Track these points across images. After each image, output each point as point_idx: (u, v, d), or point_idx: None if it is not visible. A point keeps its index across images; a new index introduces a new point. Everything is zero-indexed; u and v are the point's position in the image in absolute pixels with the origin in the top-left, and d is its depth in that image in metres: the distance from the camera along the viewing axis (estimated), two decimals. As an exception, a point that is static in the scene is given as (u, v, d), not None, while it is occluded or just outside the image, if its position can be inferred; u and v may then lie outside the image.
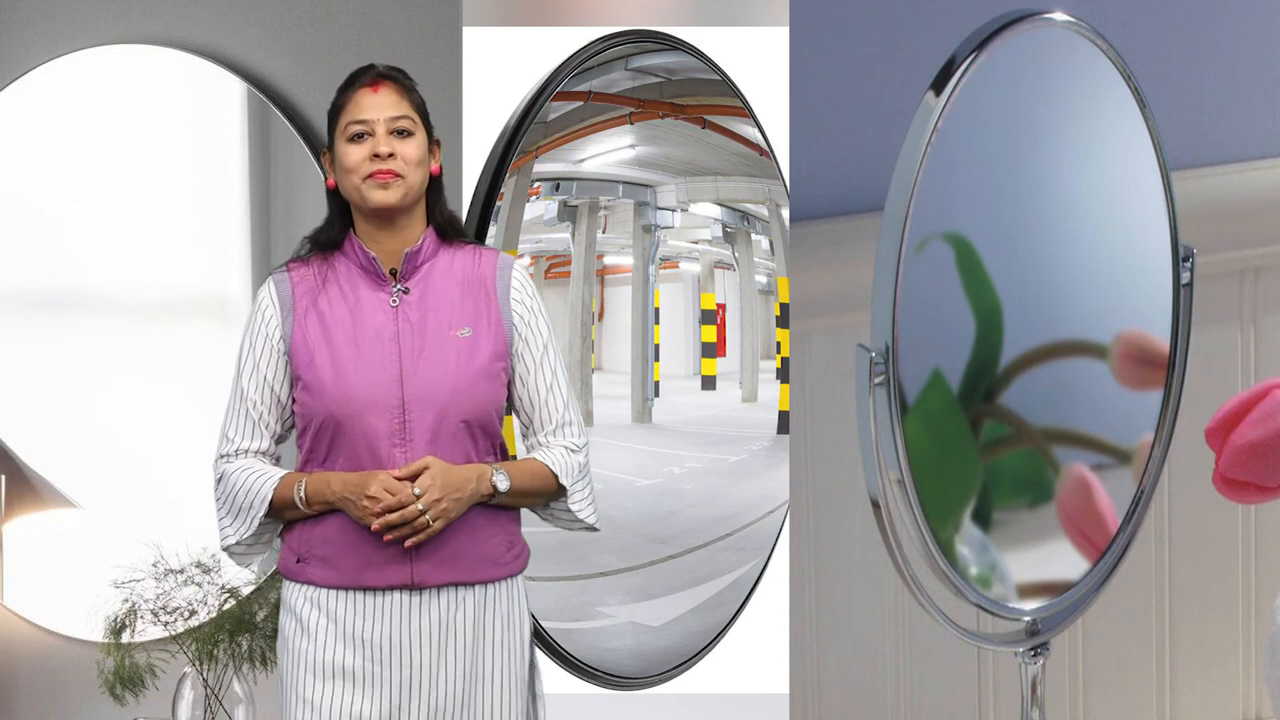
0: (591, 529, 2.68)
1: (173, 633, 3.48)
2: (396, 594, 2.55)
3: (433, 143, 2.63)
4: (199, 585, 3.50)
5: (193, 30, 3.75)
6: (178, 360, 3.74)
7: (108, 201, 3.74)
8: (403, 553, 2.53)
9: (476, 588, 2.58)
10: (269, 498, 2.57)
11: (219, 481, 2.63)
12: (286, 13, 3.77)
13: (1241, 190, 2.90)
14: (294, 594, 2.60)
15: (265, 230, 3.75)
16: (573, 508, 2.64)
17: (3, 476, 3.65)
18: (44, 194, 3.74)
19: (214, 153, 3.78)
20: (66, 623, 3.69)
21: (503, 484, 2.56)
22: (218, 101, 3.76)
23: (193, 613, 3.49)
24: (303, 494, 2.56)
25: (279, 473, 2.60)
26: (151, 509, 3.68)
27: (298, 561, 2.59)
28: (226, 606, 3.49)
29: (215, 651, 3.46)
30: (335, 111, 2.61)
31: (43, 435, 3.72)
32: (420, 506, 2.50)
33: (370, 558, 2.54)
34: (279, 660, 2.63)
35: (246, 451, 2.63)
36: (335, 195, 2.63)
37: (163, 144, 3.76)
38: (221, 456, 2.64)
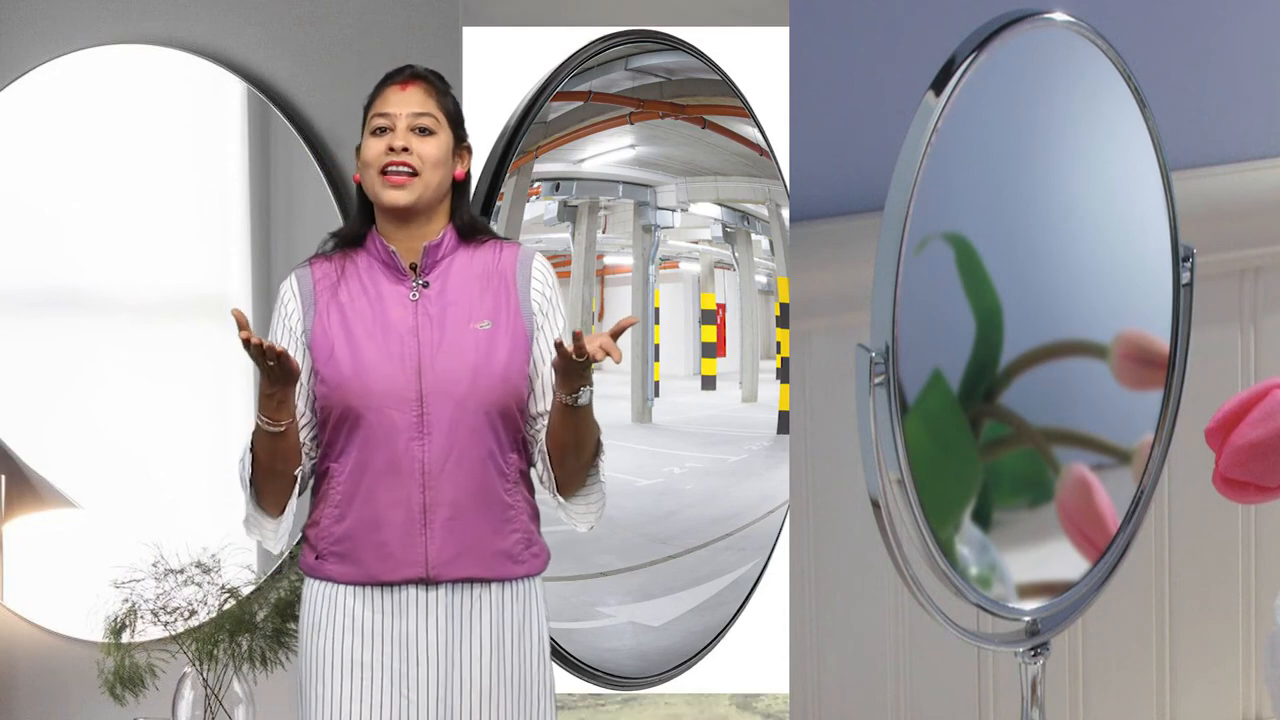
0: (601, 506, 2.67)
1: (173, 633, 3.48)
2: (411, 589, 2.55)
3: (462, 148, 2.63)
4: (199, 585, 3.50)
5: (193, 30, 3.75)
6: (178, 360, 3.74)
7: (108, 201, 3.74)
8: (418, 547, 2.54)
9: (494, 585, 2.58)
10: (250, 445, 2.55)
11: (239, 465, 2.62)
12: (286, 13, 3.77)
13: (1241, 190, 2.90)
14: (312, 591, 2.60)
15: (265, 230, 3.75)
16: (599, 471, 2.62)
17: (3, 476, 3.65)
18: (44, 194, 3.74)
19: (214, 153, 3.78)
20: (66, 623, 3.69)
21: (585, 396, 2.54)
22: (218, 101, 3.76)
23: (193, 613, 3.49)
24: (258, 416, 2.51)
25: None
26: (151, 509, 3.68)
27: (316, 558, 2.59)
28: (226, 606, 3.49)
29: (215, 651, 3.46)
30: (366, 108, 2.63)
31: (43, 435, 3.72)
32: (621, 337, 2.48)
33: (385, 553, 2.54)
34: (299, 658, 2.63)
35: None
36: (361, 191, 2.64)
37: (163, 144, 3.76)
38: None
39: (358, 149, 2.63)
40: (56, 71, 3.73)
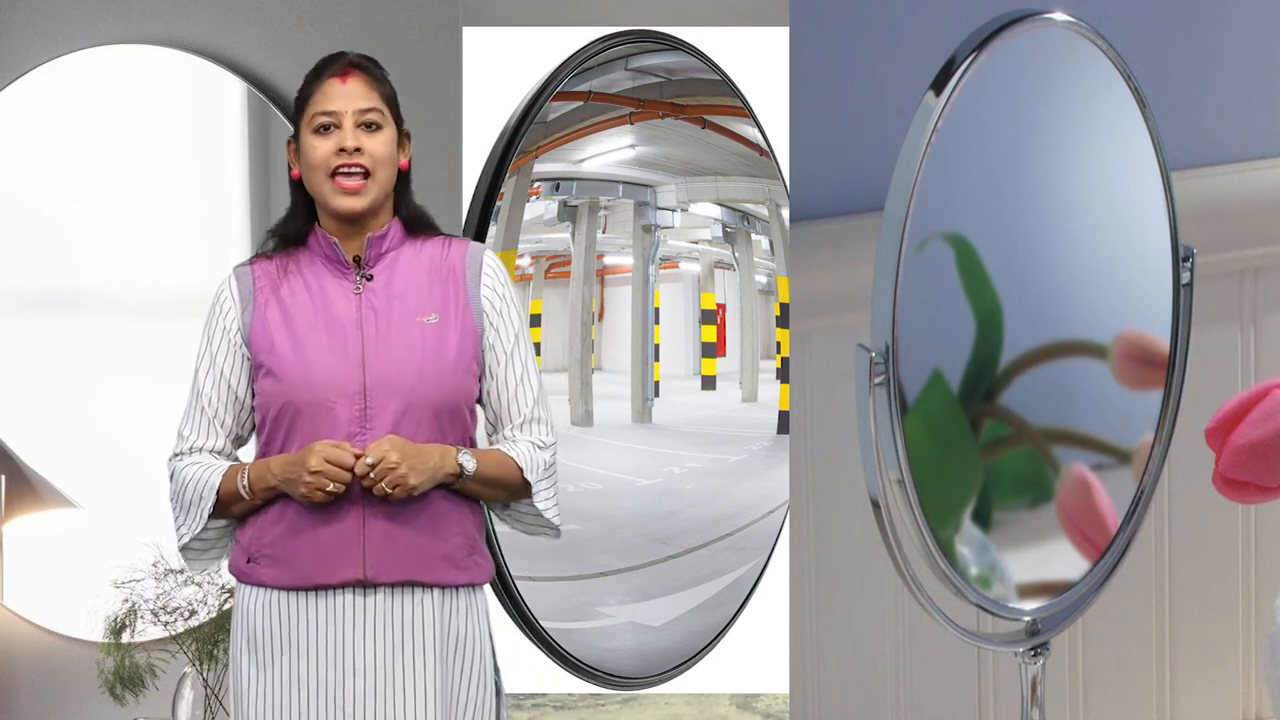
0: (553, 529, 2.59)
1: (173, 633, 3.48)
2: (348, 594, 2.46)
3: (402, 135, 2.54)
4: (199, 585, 3.50)
5: (193, 30, 3.75)
6: (178, 360, 3.73)
7: (108, 201, 3.75)
8: (355, 546, 2.44)
9: (435, 591, 2.48)
10: (216, 486, 2.49)
11: (170, 479, 2.56)
12: (286, 13, 3.77)
13: (1241, 190, 2.90)
14: (246, 598, 2.51)
15: (265, 231, 3.75)
16: (538, 505, 2.54)
17: (3, 476, 3.65)
18: (44, 194, 3.74)
19: (214, 153, 3.78)
20: (66, 623, 3.70)
21: (469, 464, 2.46)
22: (218, 101, 3.76)
23: (193, 613, 3.49)
24: (245, 481, 2.47)
25: (226, 464, 2.53)
26: (151, 509, 3.67)
27: (248, 562, 2.50)
28: (226, 606, 3.49)
29: (215, 651, 3.46)
30: (302, 100, 2.52)
31: (43, 435, 3.73)
32: (368, 461, 2.40)
33: (321, 553, 2.45)
34: (232, 671, 2.54)
35: (200, 450, 2.55)
36: (300, 186, 2.55)
37: (163, 144, 3.76)
38: (175, 455, 2.57)
39: (290, 142, 2.55)
40: (56, 71, 3.73)
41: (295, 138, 2.54)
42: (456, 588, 2.51)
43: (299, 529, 2.47)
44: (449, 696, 2.50)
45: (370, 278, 2.52)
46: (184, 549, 2.56)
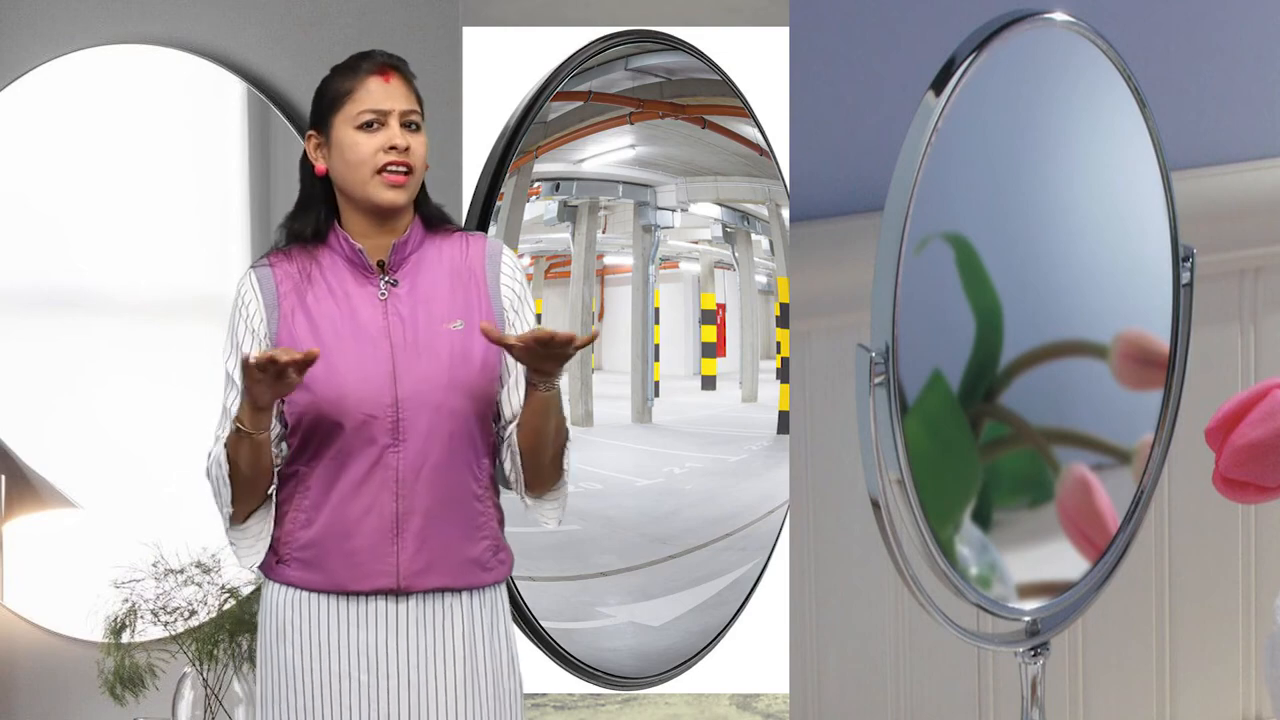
0: (561, 513, 2.58)
1: (173, 633, 3.48)
2: (381, 600, 2.47)
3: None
4: (199, 585, 3.50)
5: (193, 30, 3.75)
6: (178, 360, 3.74)
7: (108, 201, 3.75)
8: (390, 554, 2.45)
9: (464, 594, 2.49)
10: (224, 454, 2.43)
11: (207, 475, 2.49)
12: (286, 13, 3.77)
13: (1241, 190, 2.90)
14: (274, 594, 2.50)
15: (265, 231, 3.75)
16: (563, 463, 2.53)
17: (3, 476, 3.65)
18: (44, 194, 3.74)
19: (214, 153, 3.78)
20: (66, 623, 3.70)
21: (557, 379, 2.46)
22: (218, 101, 3.76)
23: (193, 613, 3.49)
24: (234, 415, 2.42)
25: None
26: (151, 509, 3.68)
27: (278, 562, 2.49)
28: (226, 606, 3.49)
29: (215, 651, 3.46)
30: (339, 96, 2.50)
31: (43, 435, 3.72)
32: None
33: (354, 561, 2.45)
34: (260, 667, 2.53)
35: None
36: (322, 182, 2.53)
37: (163, 144, 3.76)
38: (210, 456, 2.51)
39: (312, 137, 2.52)
40: (56, 71, 3.73)
41: (321, 131, 2.52)
42: (483, 588, 2.53)
43: (331, 536, 2.46)
44: (478, 694, 2.51)
45: (395, 283, 2.50)
46: (232, 537, 2.50)
